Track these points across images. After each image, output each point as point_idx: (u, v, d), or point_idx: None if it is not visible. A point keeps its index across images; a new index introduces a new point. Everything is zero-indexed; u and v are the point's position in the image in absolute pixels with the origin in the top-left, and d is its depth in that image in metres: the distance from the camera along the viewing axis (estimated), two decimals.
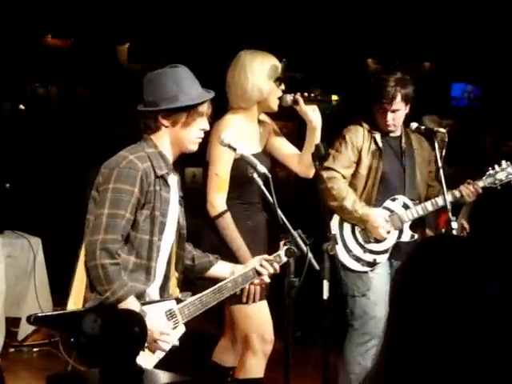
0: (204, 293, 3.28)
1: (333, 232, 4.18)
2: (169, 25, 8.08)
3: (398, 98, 4.15)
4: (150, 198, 3.08)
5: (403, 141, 4.33)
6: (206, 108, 3.20)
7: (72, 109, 8.76)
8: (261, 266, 3.39)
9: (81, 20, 7.95)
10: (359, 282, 4.22)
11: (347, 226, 4.26)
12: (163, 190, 3.14)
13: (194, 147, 3.23)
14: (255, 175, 3.25)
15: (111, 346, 2.32)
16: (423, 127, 4.33)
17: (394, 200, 4.25)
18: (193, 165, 8.58)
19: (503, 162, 4.36)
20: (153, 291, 3.19)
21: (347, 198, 4.15)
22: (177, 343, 3.21)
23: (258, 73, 3.76)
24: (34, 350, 5.63)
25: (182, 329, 3.24)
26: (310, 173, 3.97)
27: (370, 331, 4.22)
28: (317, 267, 3.32)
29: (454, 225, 4.10)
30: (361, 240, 4.25)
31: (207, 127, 3.23)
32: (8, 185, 7.00)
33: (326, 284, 3.48)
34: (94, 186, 3.15)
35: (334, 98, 3.96)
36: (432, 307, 1.18)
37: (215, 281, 3.41)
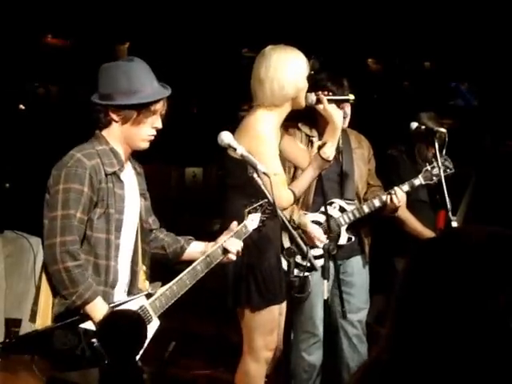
0: (173, 281, 3.20)
1: None
2: (169, 25, 8.07)
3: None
4: (103, 196, 3.03)
5: (340, 141, 4.33)
6: (159, 106, 3.11)
7: (72, 109, 8.75)
8: (227, 244, 3.29)
9: (81, 20, 7.94)
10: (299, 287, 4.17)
11: (284, 234, 4.21)
12: (116, 186, 3.07)
13: (144, 145, 3.16)
14: (255, 175, 3.24)
15: (111, 346, 2.32)
16: (423, 127, 4.34)
17: (330, 204, 4.23)
18: (193, 165, 8.58)
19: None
20: (118, 291, 3.13)
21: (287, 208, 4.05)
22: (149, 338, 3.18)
23: (295, 68, 3.72)
24: None
25: (156, 323, 3.18)
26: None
27: (309, 330, 4.26)
28: (317, 267, 3.32)
29: (454, 224, 4.10)
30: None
31: (160, 125, 3.14)
32: (8, 185, 6.99)
33: (326, 284, 3.48)
34: (46, 188, 3.12)
35: (352, 97, 3.94)
36: (435, 309, 1.18)
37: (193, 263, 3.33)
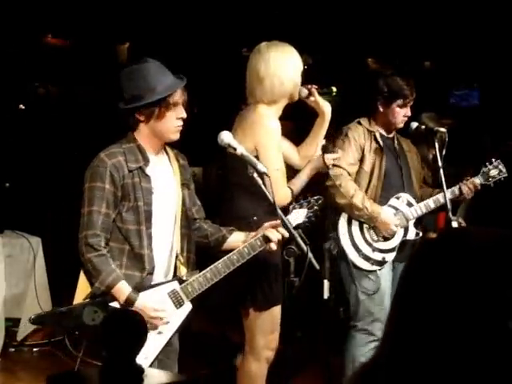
0: (208, 269, 3.35)
1: (341, 231, 4.21)
2: (169, 24, 8.08)
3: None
4: (129, 190, 3.23)
5: (395, 142, 4.40)
6: (178, 97, 3.26)
7: (72, 109, 8.75)
8: (269, 232, 3.40)
9: (81, 20, 7.94)
10: (368, 281, 4.21)
11: (355, 225, 4.25)
12: (143, 181, 3.27)
13: (174, 136, 3.31)
14: (255, 175, 3.24)
15: (111, 345, 2.32)
16: (423, 127, 4.35)
17: (398, 198, 4.29)
18: (193, 164, 8.57)
19: (493, 159, 4.42)
20: (157, 276, 3.31)
21: (356, 195, 4.15)
22: (179, 322, 3.28)
23: (293, 65, 3.77)
24: (34, 349, 5.63)
25: (188, 306, 3.32)
26: None
27: (374, 332, 4.20)
28: (317, 267, 3.32)
29: (454, 224, 4.10)
30: (369, 238, 4.25)
31: (184, 115, 3.28)
32: (8, 184, 7.00)
33: (326, 284, 3.48)
34: None
35: (334, 89, 3.99)
36: (435, 309, 1.17)
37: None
